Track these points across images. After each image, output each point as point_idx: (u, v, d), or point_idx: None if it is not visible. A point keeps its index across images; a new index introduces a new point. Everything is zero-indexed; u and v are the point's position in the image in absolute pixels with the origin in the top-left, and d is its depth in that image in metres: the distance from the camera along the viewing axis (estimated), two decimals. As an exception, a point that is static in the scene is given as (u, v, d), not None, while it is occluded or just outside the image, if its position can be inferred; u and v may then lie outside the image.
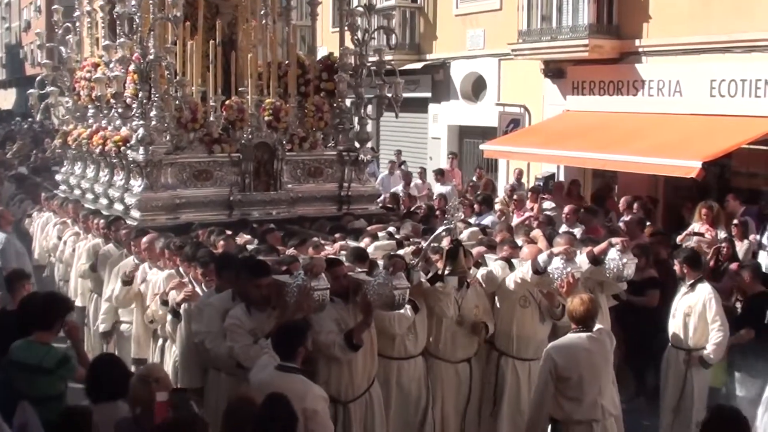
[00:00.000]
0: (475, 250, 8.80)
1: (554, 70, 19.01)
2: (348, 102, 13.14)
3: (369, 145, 13.12)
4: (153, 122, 11.05)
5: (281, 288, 7.26)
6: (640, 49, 17.04)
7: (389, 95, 12.60)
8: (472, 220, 12.98)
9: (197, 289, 8.37)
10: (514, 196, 16.20)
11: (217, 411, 6.84)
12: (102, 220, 11.20)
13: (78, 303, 11.36)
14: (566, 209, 13.62)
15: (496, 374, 8.39)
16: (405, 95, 13.23)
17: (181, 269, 8.86)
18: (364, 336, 7.36)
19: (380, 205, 13.67)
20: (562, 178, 18.52)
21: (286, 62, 12.78)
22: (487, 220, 13.47)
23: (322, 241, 9.98)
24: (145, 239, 9.72)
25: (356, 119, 12.91)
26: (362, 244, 9.51)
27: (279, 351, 6.38)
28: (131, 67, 11.45)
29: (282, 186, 11.85)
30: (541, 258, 7.84)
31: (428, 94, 23.78)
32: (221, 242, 9.53)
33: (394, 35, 12.97)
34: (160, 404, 5.48)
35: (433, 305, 8.05)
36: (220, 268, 8.02)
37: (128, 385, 5.89)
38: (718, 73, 15.36)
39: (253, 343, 7.04)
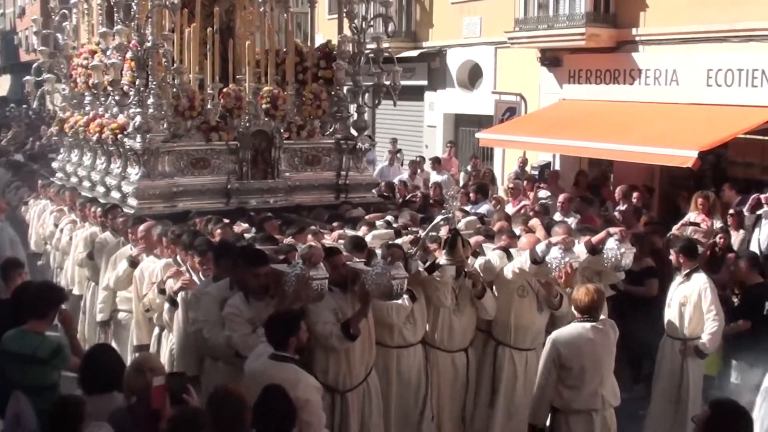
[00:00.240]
0: (473, 240, 8.78)
1: (551, 59, 18.99)
2: (345, 90, 13.11)
3: (366, 133, 13.10)
4: (150, 110, 11.02)
5: (280, 277, 7.25)
6: (637, 38, 17.02)
7: (387, 83, 12.58)
8: (467, 209, 12.96)
9: (194, 277, 8.35)
10: (510, 185, 16.23)
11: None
12: (99, 208, 11.21)
13: (75, 291, 11.38)
14: (561, 198, 13.64)
15: (493, 364, 8.40)
16: (401, 83, 13.20)
17: (178, 258, 8.83)
18: (362, 325, 7.36)
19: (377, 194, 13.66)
20: (558, 167, 18.54)
21: (284, 50, 12.75)
22: (483, 208, 13.46)
23: (321, 230, 9.98)
24: (141, 227, 9.73)
25: (354, 107, 12.88)
26: (360, 233, 9.50)
27: (271, 340, 6.37)
28: (128, 55, 11.40)
29: (279, 174, 11.84)
30: (540, 248, 7.83)
31: (424, 82, 23.75)
32: (218, 231, 9.52)
33: (392, 23, 12.95)
34: (157, 388, 5.42)
35: (431, 294, 8.06)
36: (218, 256, 8.01)
37: (123, 375, 5.86)
38: (715, 63, 15.35)
39: (251, 332, 7.02)
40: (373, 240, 9.06)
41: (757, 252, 11.23)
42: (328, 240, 9.22)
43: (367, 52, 12.73)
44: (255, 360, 6.44)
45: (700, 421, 4.91)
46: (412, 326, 8.03)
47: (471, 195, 14.40)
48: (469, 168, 19.76)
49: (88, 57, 12.92)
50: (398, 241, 8.88)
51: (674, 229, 11.98)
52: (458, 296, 8.20)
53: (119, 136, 11.58)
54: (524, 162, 18.65)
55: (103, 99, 12.66)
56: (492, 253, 8.52)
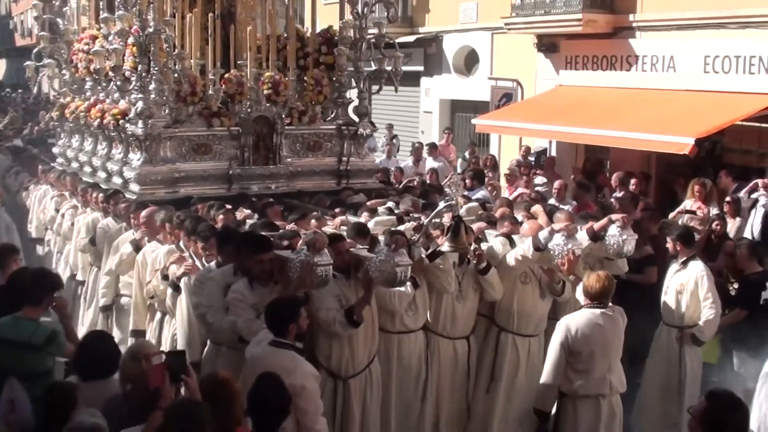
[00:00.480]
0: (475, 226, 8.79)
1: (547, 45, 19.02)
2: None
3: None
4: (152, 96, 11.00)
5: (284, 263, 7.27)
6: (634, 24, 17.06)
7: (389, 69, 12.59)
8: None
9: (197, 263, 8.37)
10: (506, 171, 16.28)
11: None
12: (101, 194, 11.23)
13: (79, 276, 11.43)
14: (556, 184, 13.70)
15: (495, 350, 8.43)
16: (399, 69, 13.19)
17: (181, 243, 8.85)
18: (365, 312, 7.39)
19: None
20: (554, 153, 18.60)
21: (285, 35, 12.75)
22: (479, 194, 13.49)
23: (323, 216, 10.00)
24: (144, 212, 9.76)
25: (355, 93, 12.91)
26: (362, 219, 9.51)
27: (271, 327, 6.40)
28: (130, 40, 11.40)
29: (281, 160, 11.83)
30: (542, 235, 7.90)
31: (420, 68, 23.73)
32: (221, 216, 9.52)
33: (393, 8, 12.96)
34: (156, 367, 5.39)
35: (433, 281, 8.10)
36: (222, 242, 8.03)
37: (118, 361, 5.88)
38: (712, 49, 15.40)
39: (255, 317, 7.04)
40: (376, 226, 9.04)
41: (749, 238, 11.29)
42: (331, 226, 9.25)
43: (368, 37, 12.72)
44: (255, 346, 6.47)
45: (697, 412, 4.93)
46: (414, 313, 8.07)
47: (467, 181, 14.42)
48: (467, 155, 19.76)
49: (89, 42, 12.90)
50: (401, 227, 8.88)
51: (670, 217, 12.05)
52: (461, 283, 8.24)
53: (121, 121, 11.56)
54: (527, 150, 18.60)
55: (104, 84, 12.67)
56: (494, 240, 8.56)
